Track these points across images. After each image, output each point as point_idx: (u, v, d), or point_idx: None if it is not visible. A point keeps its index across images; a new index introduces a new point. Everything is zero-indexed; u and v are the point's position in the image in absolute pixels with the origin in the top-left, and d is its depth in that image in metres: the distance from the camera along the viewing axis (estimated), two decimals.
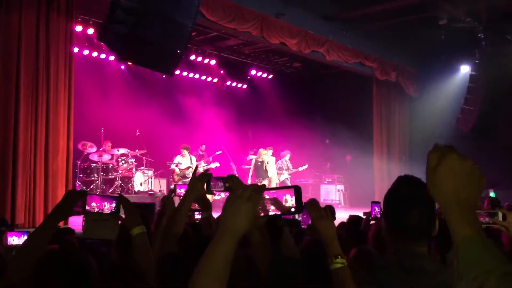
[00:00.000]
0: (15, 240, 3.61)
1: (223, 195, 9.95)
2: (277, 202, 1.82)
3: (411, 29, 11.94)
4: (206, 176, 2.29)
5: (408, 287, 1.58)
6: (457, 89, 13.76)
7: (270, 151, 12.30)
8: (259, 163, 11.99)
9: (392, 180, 1.93)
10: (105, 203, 2.20)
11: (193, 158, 11.32)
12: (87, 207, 2.18)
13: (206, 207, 2.69)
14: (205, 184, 2.27)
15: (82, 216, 2.20)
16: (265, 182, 11.51)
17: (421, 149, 14.84)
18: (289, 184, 12.22)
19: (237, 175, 2.19)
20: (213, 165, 11.73)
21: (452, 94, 13.87)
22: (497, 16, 11.24)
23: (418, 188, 1.68)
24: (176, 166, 11.07)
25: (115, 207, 2.19)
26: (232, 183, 2.16)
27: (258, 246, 2.06)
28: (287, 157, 12.65)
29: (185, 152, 11.17)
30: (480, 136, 13.45)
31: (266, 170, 11.85)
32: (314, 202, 1.96)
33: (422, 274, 1.61)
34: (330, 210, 4.37)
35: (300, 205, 1.38)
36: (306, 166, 12.37)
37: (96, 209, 2.18)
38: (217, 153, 12.19)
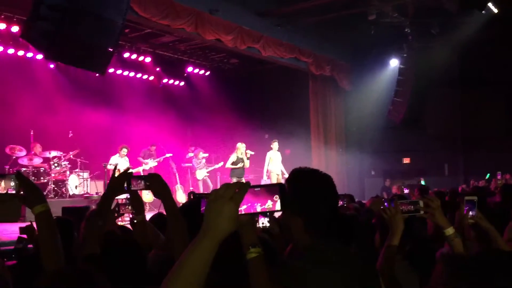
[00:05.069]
0: None
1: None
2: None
3: (344, 24, 12.26)
4: (126, 175, 2.26)
5: (340, 279, 1.66)
6: (388, 82, 14.31)
7: (276, 144, 11.90)
8: (240, 159, 11.24)
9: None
10: None
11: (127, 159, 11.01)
12: None
13: (140, 210, 2.61)
14: (126, 183, 2.23)
15: None
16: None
17: (356, 140, 15.43)
18: (210, 183, 12.14)
19: (158, 174, 2.17)
20: (152, 164, 11.47)
21: (383, 87, 14.41)
22: (423, 11, 11.78)
23: (330, 184, 1.82)
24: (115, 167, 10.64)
25: (13, 186, 1.98)
26: (152, 182, 2.13)
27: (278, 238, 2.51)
28: (200, 154, 12.50)
29: (124, 152, 10.88)
30: (410, 126, 14.10)
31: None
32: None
33: (344, 265, 1.70)
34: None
35: (284, 203, 1.36)
36: (222, 163, 12.04)
37: None
38: (168, 155, 12.02)
